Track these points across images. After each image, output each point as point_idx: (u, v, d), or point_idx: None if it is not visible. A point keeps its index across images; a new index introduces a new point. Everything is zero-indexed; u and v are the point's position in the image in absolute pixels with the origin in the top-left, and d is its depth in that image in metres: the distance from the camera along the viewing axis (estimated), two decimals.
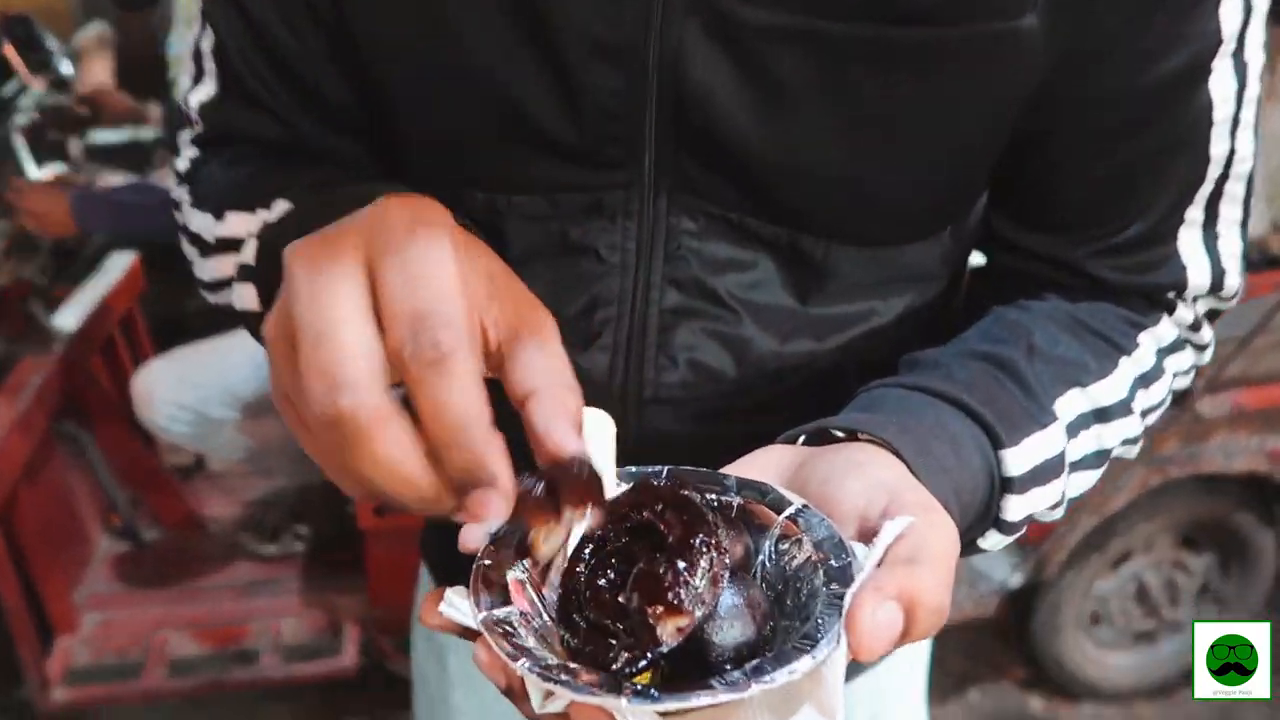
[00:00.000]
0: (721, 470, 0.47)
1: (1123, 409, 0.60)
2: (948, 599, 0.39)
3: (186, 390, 2.02)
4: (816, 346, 0.63)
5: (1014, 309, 0.63)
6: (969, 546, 0.57)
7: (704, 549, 0.38)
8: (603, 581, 0.39)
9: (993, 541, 0.57)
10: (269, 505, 2.32)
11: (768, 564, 0.43)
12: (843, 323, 0.63)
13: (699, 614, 0.37)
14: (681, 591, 0.37)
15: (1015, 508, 0.55)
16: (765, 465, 0.48)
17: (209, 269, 0.62)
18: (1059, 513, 0.59)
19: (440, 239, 0.35)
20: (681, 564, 0.37)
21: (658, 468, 0.46)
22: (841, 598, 0.38)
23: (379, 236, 0.35)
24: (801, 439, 0.51)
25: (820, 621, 0.37)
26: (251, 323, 0.56)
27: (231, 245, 0.59)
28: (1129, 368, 0.62)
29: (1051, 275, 0.64)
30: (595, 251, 0.59)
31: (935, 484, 0.46)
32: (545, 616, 0.41)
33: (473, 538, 0.40)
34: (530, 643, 0.38)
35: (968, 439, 0.52)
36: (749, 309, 0.61)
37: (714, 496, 0.44)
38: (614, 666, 0.37)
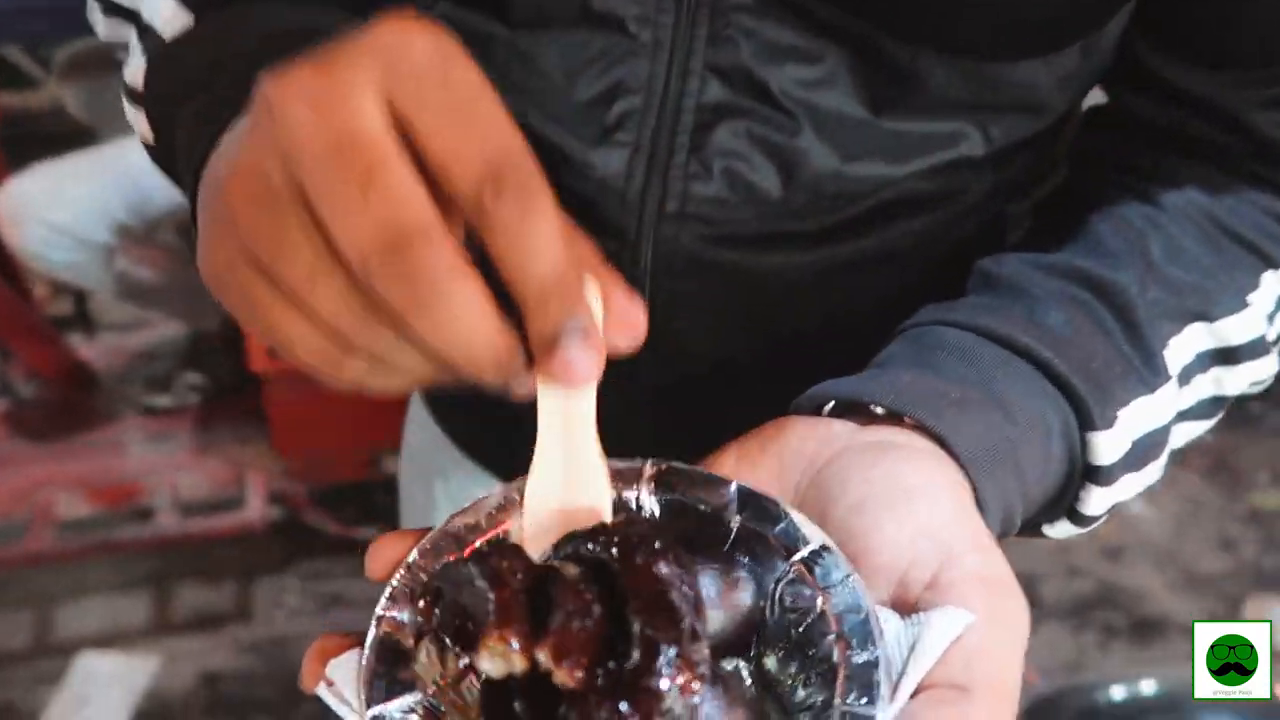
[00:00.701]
0: (720, 465, 0.38)
1: (1257, 349, 0.49)
2: None
3: (59, 209, 1.83)
4: (887, 171, 0.50)
5: (1131, 201, 0.50)
6: (1026, 529, 0.47)
7: (668, 669, 0.28)
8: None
9: (1061, 531, 0.48)
10: (158, 355, 2.16)
11: (768, 617, 0.34)
12: (923, 145, 0.50)
13: None
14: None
15: (1099, 501, 0.45)
16: (779, 459, 0.38)
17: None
18: (1154, 482, 0.47)
19: (469, 62, 0.30)
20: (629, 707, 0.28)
21: (637, 462, 0.37)
22: None
23: (399, 60, 0.29)
24: (830, 406, 0.41)
25: None
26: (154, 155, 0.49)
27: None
28: (1274, 286, 0.49)
29: (1197, 130, 0.50)
30: (621, 23, 0.48)
31: (996, 501, 0.38)
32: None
33: (380, 564, 0.34)
34: None
35: (1052, 418, 0.42)
36: (808, 112, 0.49)
37: (705, 508, 0.36)
38: None
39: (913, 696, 0.30)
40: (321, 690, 0.32)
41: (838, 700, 0.30)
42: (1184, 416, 0.48)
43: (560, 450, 0.34)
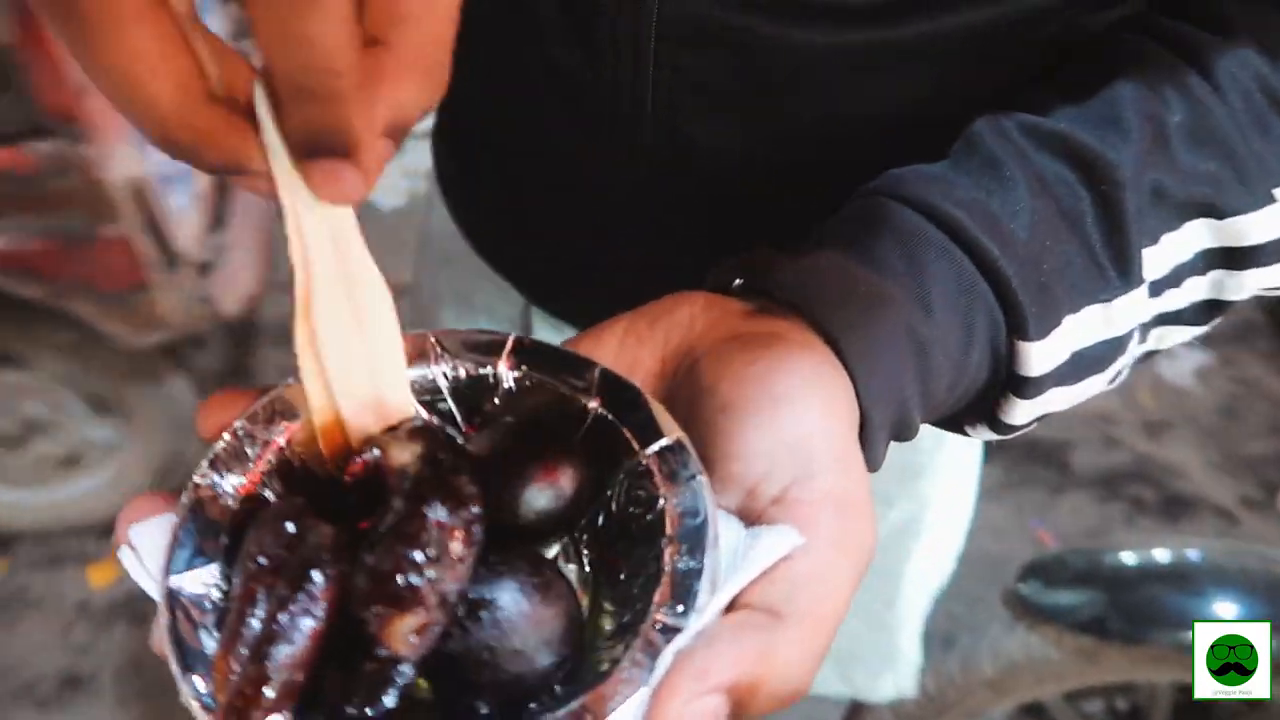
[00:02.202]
0: (607, 334, 0.37)
1: (1276, 252, 0.42)
2: (810, 678, 0.29)
3: None
4: None
5: (1168, 59, 0.43)
6: (945, 426, 0.45)
7: (442, 517, 0.28)
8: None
9: (981, 435, 0.45)
10: None
11: (611, 510, 0.33)
12: None
13: (439, 612, 0.28)
14: (413, 579, 0.27)
15: (1022, 412, 0.42)
16: (664, 336, 0.37)
17: None
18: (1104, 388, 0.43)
19: None
20: (407, 546, 0.28)
21: (500, 334, 0.35)
22: (667, 633, 0.28)
23: None
24: (738, 283, 0.39)
25: (627, 656, 0.28)
26: None
27: None
28: None
29: None
30: None
31: (883, 408, 0.36)
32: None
33: (210, 425, 0.32)
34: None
35: (979, 320, 0.39)
36: None
37: (564, 389, 0.34)
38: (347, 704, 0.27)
39: (727, 612, 0.29)
40: (123, 554, 0.31)
41: (654, 605, 0.29)
42: (1168, 320, 0.44)
43: (340, 279, 0.30)
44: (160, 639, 0.29)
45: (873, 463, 0.37)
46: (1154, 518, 1.91)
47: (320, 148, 0.26)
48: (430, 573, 0.27)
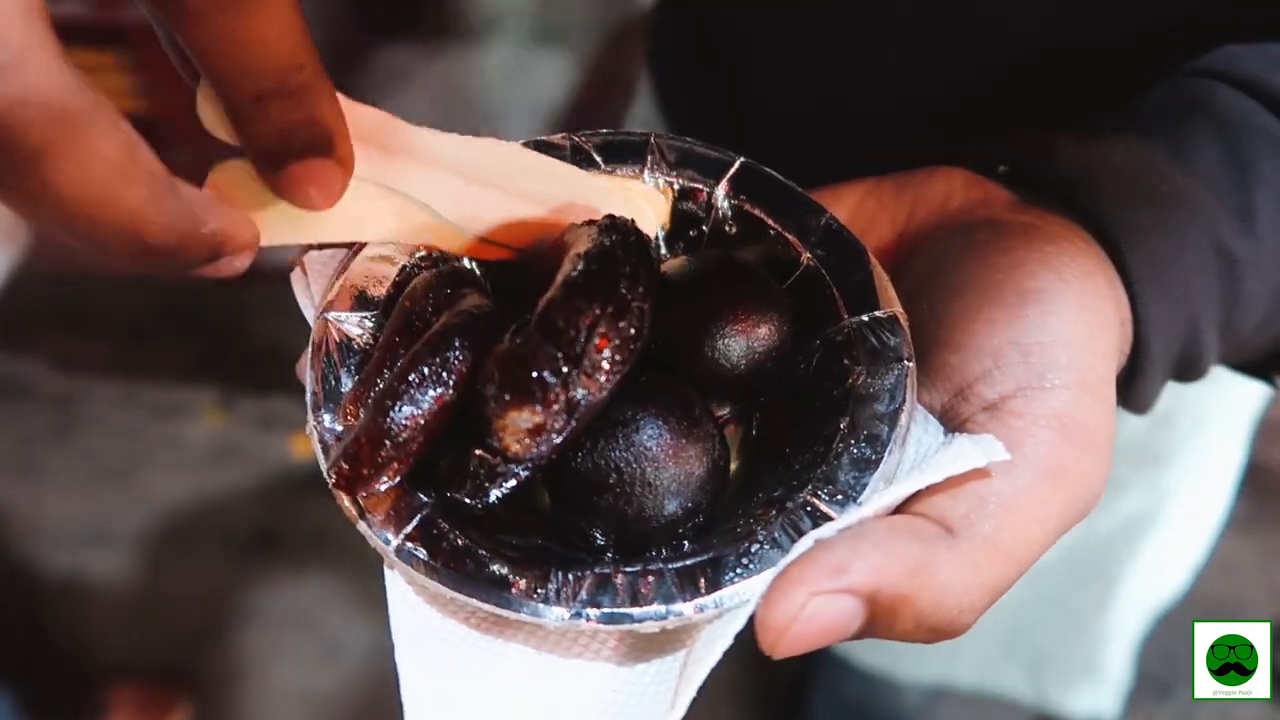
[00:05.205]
0: (846, 193, 0.32)
1: None
2: (972, 617, 0.24)
3: None
4: None
5: None
6: (1250, 369, 0.37)
7: (598, 320, 0.24)
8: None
9: None
10: None
11: (797, 373, 0.29)
12: None
13: (563, 419, 0.24)
14: (546, 374, 0.24)
15: None
16: (910, 207, 0.31)
17: None
18: None
19: None
20: (547, 337, 0.24)
21: (729, 155, 0.31)
22: (817, 518, 0.25)
23: None
24: (1003, 169, 0.32)
25: (764, 531, 0.25)
26: None
27: None
28: None
29: None
30: None
31: (1165, 337, 0.30)
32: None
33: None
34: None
35: None
36: None
37: (783, 230, 0.30)
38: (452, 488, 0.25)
39: (897, 512, 0.25)
40: (295, 276, 0.30)
41: (811, 487, 0.25)
42: None
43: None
44: (303, 366, 0.28)
45: (1141, 402, 0.31)
46: None
47: (296, 148, 0.24)
48: (566, 371, 0.23)
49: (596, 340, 0.24)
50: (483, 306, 0.27)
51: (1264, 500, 1.71)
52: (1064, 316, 0.27)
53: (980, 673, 0.80)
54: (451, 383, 0.25)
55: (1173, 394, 0.33)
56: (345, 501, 0.25)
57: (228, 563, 1.44)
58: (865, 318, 0.28)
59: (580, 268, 0.24)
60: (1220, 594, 1.33)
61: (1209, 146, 0.31)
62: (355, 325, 0.28)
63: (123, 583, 1.41)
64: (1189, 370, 0.32)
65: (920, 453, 0.26)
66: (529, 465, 0.24)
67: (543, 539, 0.27)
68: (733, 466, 0.28)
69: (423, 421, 0.25)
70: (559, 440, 0.24)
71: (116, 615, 1.38)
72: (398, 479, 0.25)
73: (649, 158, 0.31)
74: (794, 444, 0.28)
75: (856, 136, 0.50)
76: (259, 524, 1.49)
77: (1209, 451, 0.65)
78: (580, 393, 0.23)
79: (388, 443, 0.25)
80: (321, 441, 0.26)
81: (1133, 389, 0.30)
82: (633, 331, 0.24)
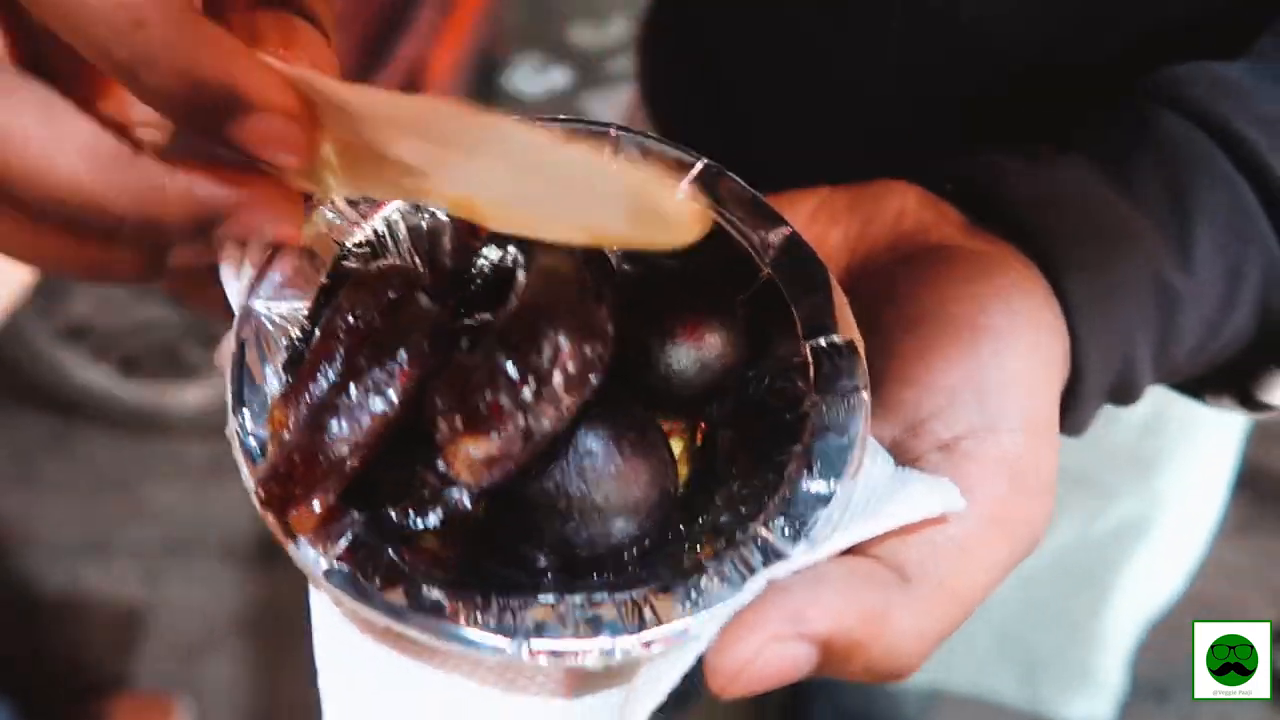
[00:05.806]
0: (800, 202, 0.31)
1: None
2: (920, 661, 0.25)
3: None
4: None
5: None
6: (1183, 388, 0.38)
7: (560, 341, 0.23)
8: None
9: (1224, 408, 0.38)
10: None
11: (747, 393, 0.28)
12: None
13: (519, 447, 0.23)
14: (502, 398, 0.23)
15: None
16: (863, 223, 0.31)
17: None
18: None
19: None
20: (507, 356, 0.23)
21: (690, 155, 0.29)
22: (768, 555, 0.24)
23: None
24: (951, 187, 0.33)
25: (714, 565, 0.24)
26: None
27: None
28: None
29: None
30: None
31: (1101, 367, 0.30)
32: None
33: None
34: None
35: (1251, 271, 0.31)
36: None
37: (742, 240, 0.29)
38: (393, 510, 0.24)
39: (847, 553, 0.25)
40: (225, 258, 0.27)
41: (762, 520, 0.25)
42: None
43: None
44: (223, 358, 0.26)
45: (1076, 427, 0.31)
46: None
47: (201, 116, 0.22)
48: (524, 396, 0.22)
49: (559, 365, 0.22)
50: (431, 311, 0.25)
51: (1262, 504, 1.71)
52: (1016, 354, 0.27)
53: (977, 679, 0.80)
54: (396, 399, 0.23)
55: (1162, 400, 0.34)
56: (271, 521, 0.23)
57: (227, 574, 1.44)
58: (823, 342, 0.27)
59: (543, 285, 0.24)
60: (1218, 597, 1.33)
61: (1152, 176, 0.31)
62: (283, 317, 0.26)
63: (122, 593, 1.41)
64: (1123, 396, 0.32)
65: (870, 485, 0.26)
66: (476, 492, 0.23)
67: (479, 558, 0.25)
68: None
69: (362, 439, 0.23)
70: (514, 469, 0.23)
71: (115, 626, 1.38)
72: (331, 498, 0.23)
73: (606, 151, 0.29)
74: (742, 465, 0.27)
75: (843, 146, 0.51)
76: (258, 535, 1.49)
77: (1200, 457, 0.65)
78: (540, 422, 0.22)
79: (323, 460, 0.22)
80: (244, 447, 0.24)
81: (1069, 416, 0.31)
82: (596, 355, 0.23)
